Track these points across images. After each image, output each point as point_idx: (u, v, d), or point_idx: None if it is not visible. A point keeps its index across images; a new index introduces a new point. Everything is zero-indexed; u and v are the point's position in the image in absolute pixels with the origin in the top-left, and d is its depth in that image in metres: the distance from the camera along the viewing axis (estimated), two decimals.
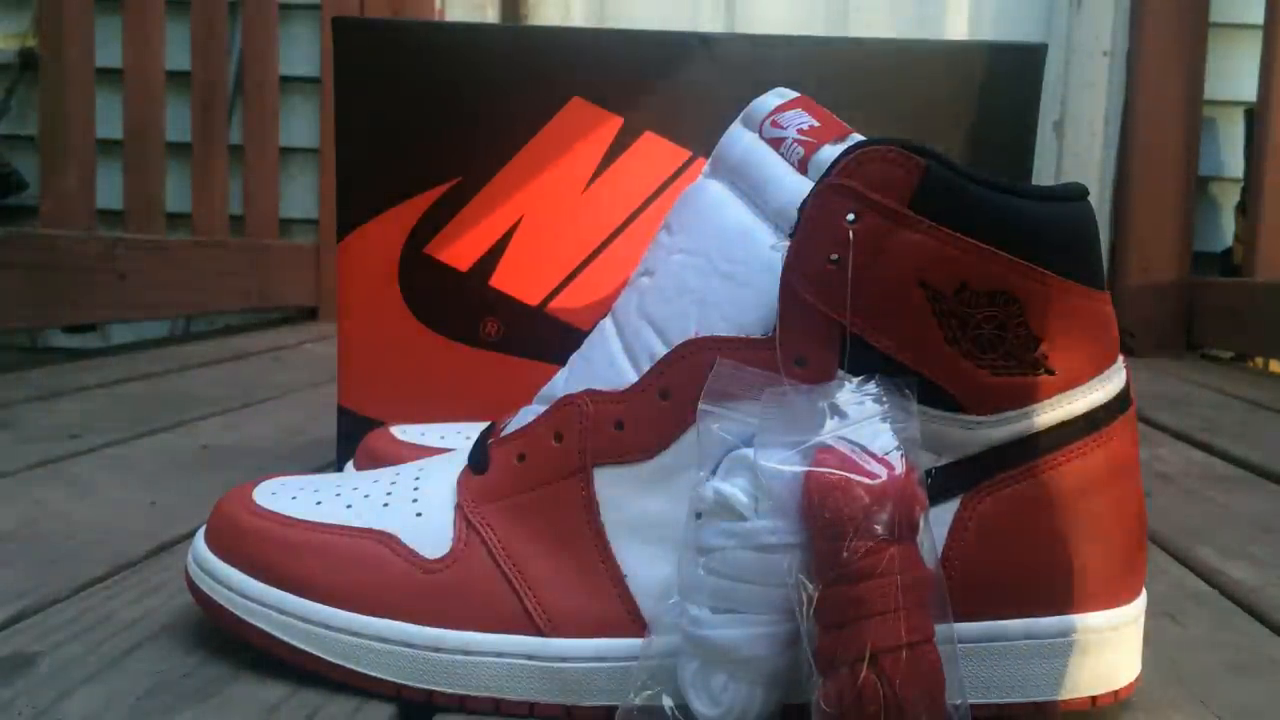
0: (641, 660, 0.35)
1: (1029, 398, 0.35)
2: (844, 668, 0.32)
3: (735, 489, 0.33)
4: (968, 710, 0.33)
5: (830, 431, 0.33)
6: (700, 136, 0.62)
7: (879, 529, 0.32)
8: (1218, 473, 0.83)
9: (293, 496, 0.41)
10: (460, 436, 0.55)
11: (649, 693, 0.35)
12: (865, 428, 0.33)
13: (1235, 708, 0.39)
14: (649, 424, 0.37)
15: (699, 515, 0.34)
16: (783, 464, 0.33)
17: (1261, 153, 1.62)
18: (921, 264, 0.34)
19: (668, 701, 0.34)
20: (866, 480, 0.32)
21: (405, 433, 0.57)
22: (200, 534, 0.42)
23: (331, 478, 0.44)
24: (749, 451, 0.34)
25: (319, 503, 0.41)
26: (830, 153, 0.36)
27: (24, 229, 1.33)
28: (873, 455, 0.33)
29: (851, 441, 0.33)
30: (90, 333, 1.76)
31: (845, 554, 0.32)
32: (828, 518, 0.32)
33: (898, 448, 0.33)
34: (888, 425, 0.34)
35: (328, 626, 0.38)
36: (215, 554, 0.40)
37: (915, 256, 0.33)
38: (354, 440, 0.61)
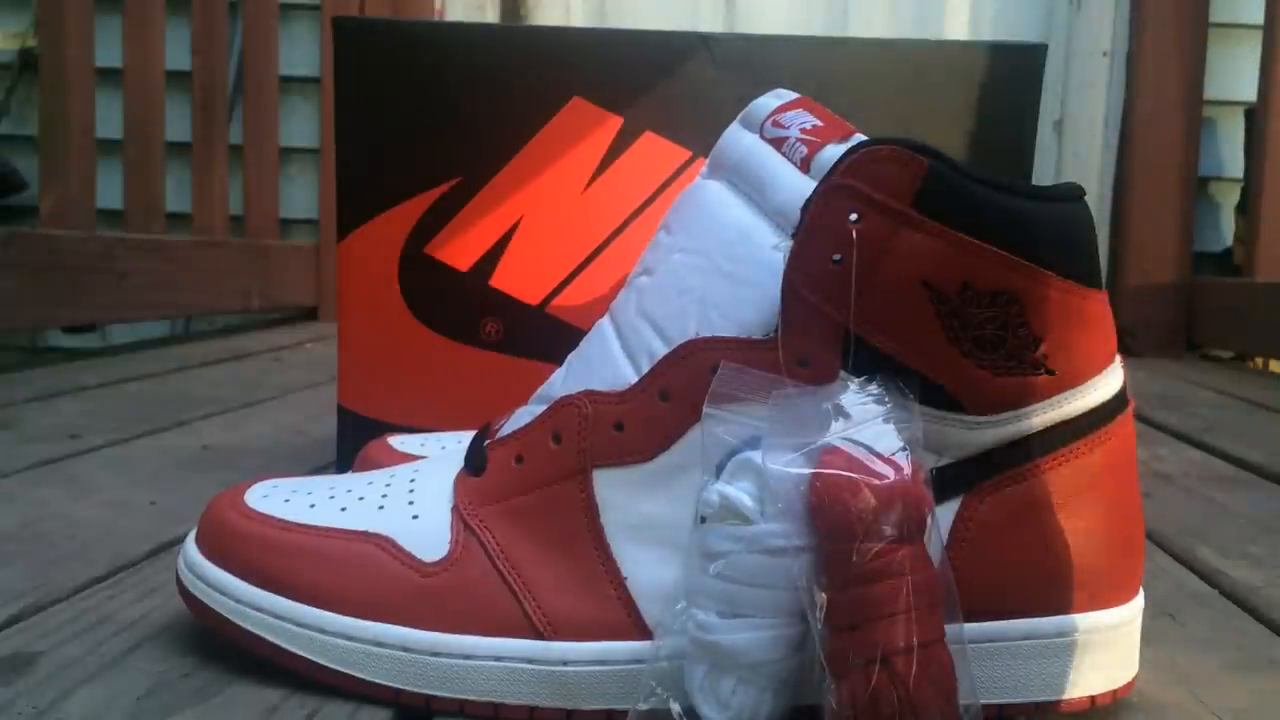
0: (648, 665, 0.35)
1: (1029, 398, 0.35)
2: (857, 670, 0.32)
3: (740, 492, 0.33)
4: (979, 711, 0.33)
5: (835, 433, 0.33)
6: (700, 136, 0.62)
7: (888, 530, 0.32)
8: (1218, 473, 0.83)
9: (285, 499, 0.41)
10: (463, 447, 0.55)
11: (656, 698, 0.34)
12: (870, 428, 0.33)
13: (1235, 708, 0.39)
14: (649, 425, 0.37)
15: (703, 519, 0.34)
16: (789, 466, 0.33)
17: (1261, 153, 1.62)
18: (924, 264, 0.33)
19: (675, 707, 0.34)
20: (874, 481, 0.32)
21: (405, 443, 0.57)
22: (191, 537, 0.41)
23: (324, 480, 0.44)
24: (754, 454, 0.33)
25: (312, 505, 0.41)
26: (834, 152, 0.36)
27: (24, 229, 1.32)
28: (879, 456, 0.33)
29: (857, 442, 0.33)
30: (90, 333, 1.76)
31: (855, 556, 0.31)
32: (836, 520, 0.32)
33: (903, 448, 0.33)
34: (891, 425, 0.34)
35: (323, 631, 0.38)
36: (206, 557, 0.40)
37: (918, 256, 0.33)
38: (354, 441, 0.61)
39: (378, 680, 0.37)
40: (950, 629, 0.33)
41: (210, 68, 1.64)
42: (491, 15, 1.96)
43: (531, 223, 0.63)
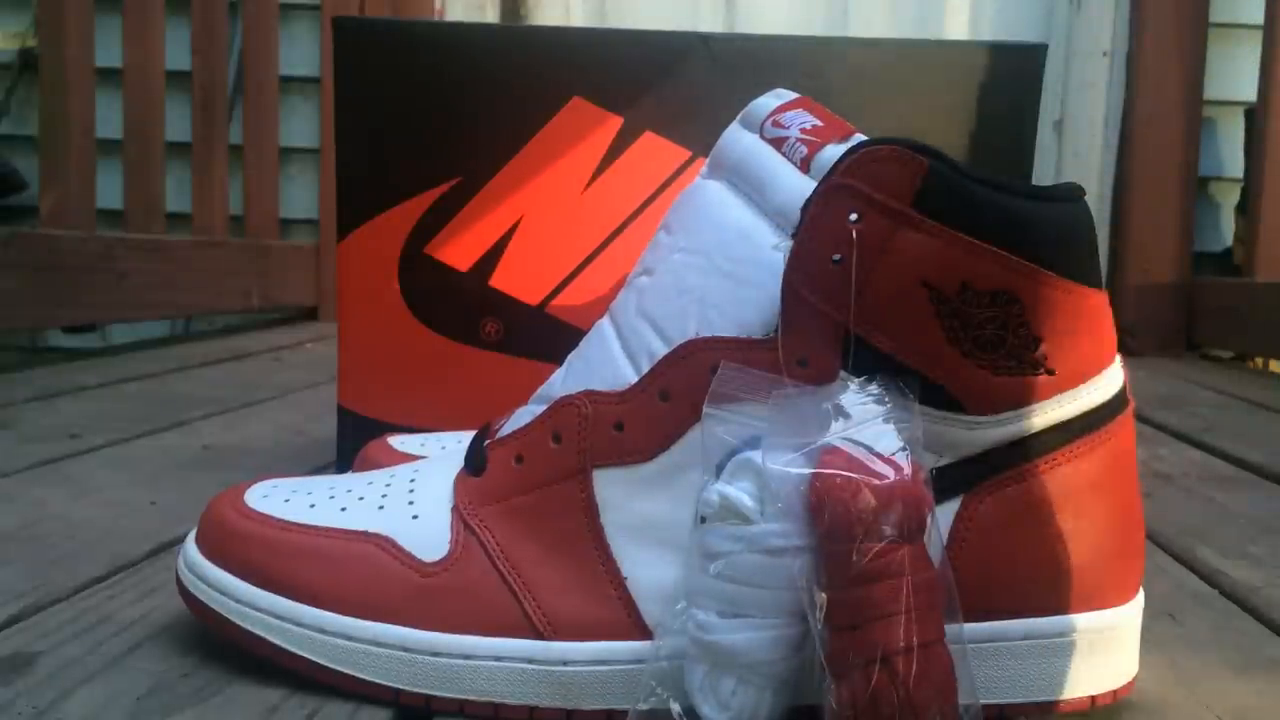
0: (648, 665, 0.35)
1: (1029, 398, 0.35)
2: (856, 670, 0.32)
3: (740, 492, 0.33)
4: (979, 711, 0.33)
5: (835, 433, 0.33)
6: (700, 136, 0.62)
7: (888, 530, 0.32)
8: (1218, 473, 0.83)
9: (285, 499, 0.41)
10: (462, 447, 0.55)
11: (656, 698, 0.34)
12: (870, 428, 0.33)
13: (1235, 708, 0.39)
14: (649, 425, 0.37)
15: (703, 519, 0.34)
16: (789, 466, 0.33)
17: (1261, 153, 1.62)
18: (924, 264, 0.33)
19: (675, 707, 0.34)
20: (874, 481, 0.32)
21: (405, 443, 0.56)
22: (191, 537, 0.41)
23: (325, 479, 0.44)
24: (754, 454, 0.33)
25: (312, 505, 0.41)
26: (834, 152, 0.36)
27: (24, 229, 1.32)
28: (879, 456, 0.33)
29: (857, 442, 0.33)
30: (90, 333, 1.76)
31: (855, 556, 0.31)
32: (836, 520, 0.32)
33: (903, 448, 0.33)
34: (891, 425, 0.34)
35: (323, 631, 0.38)
36: (206, 557, 0.40)
37: (918, 256, 0.33)
38: (354, 441, 0.61)
39: (378, 680, 0.37)
40: (950, 629, 0.33)
41: (210, 68, 1.64)
42: (491, 15, 1.96)
43: (531, 223, 0.63)
